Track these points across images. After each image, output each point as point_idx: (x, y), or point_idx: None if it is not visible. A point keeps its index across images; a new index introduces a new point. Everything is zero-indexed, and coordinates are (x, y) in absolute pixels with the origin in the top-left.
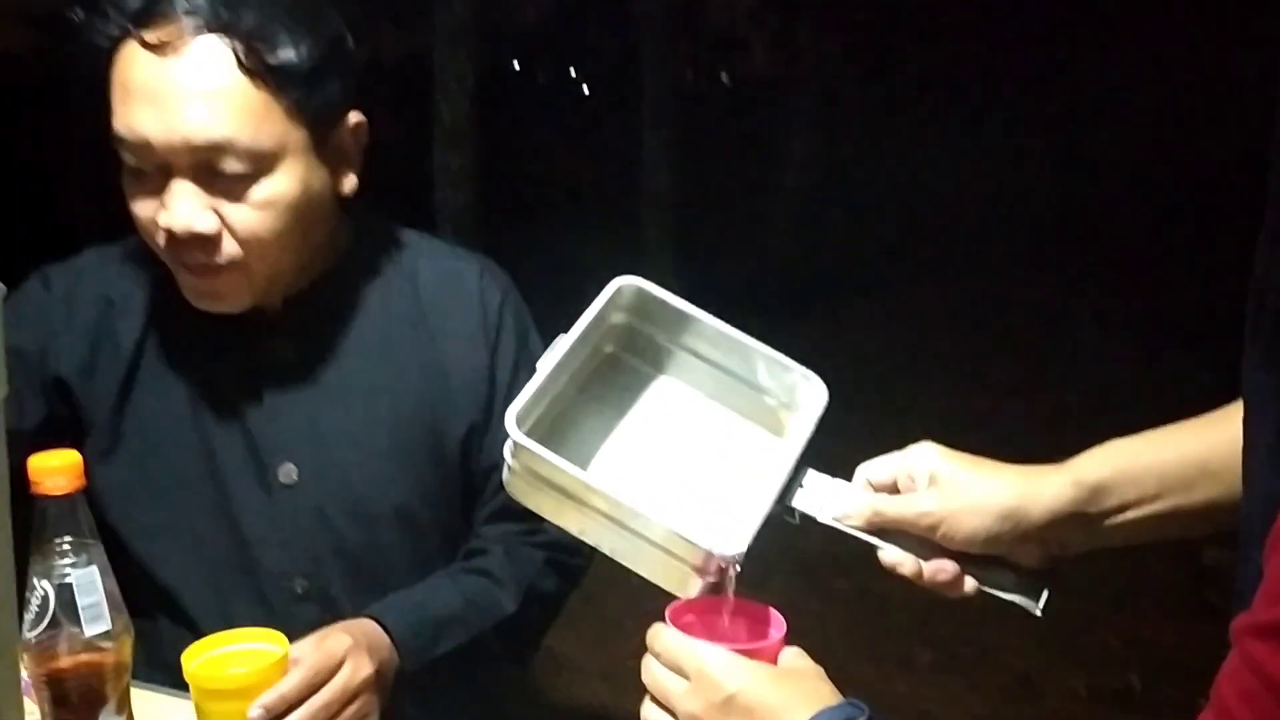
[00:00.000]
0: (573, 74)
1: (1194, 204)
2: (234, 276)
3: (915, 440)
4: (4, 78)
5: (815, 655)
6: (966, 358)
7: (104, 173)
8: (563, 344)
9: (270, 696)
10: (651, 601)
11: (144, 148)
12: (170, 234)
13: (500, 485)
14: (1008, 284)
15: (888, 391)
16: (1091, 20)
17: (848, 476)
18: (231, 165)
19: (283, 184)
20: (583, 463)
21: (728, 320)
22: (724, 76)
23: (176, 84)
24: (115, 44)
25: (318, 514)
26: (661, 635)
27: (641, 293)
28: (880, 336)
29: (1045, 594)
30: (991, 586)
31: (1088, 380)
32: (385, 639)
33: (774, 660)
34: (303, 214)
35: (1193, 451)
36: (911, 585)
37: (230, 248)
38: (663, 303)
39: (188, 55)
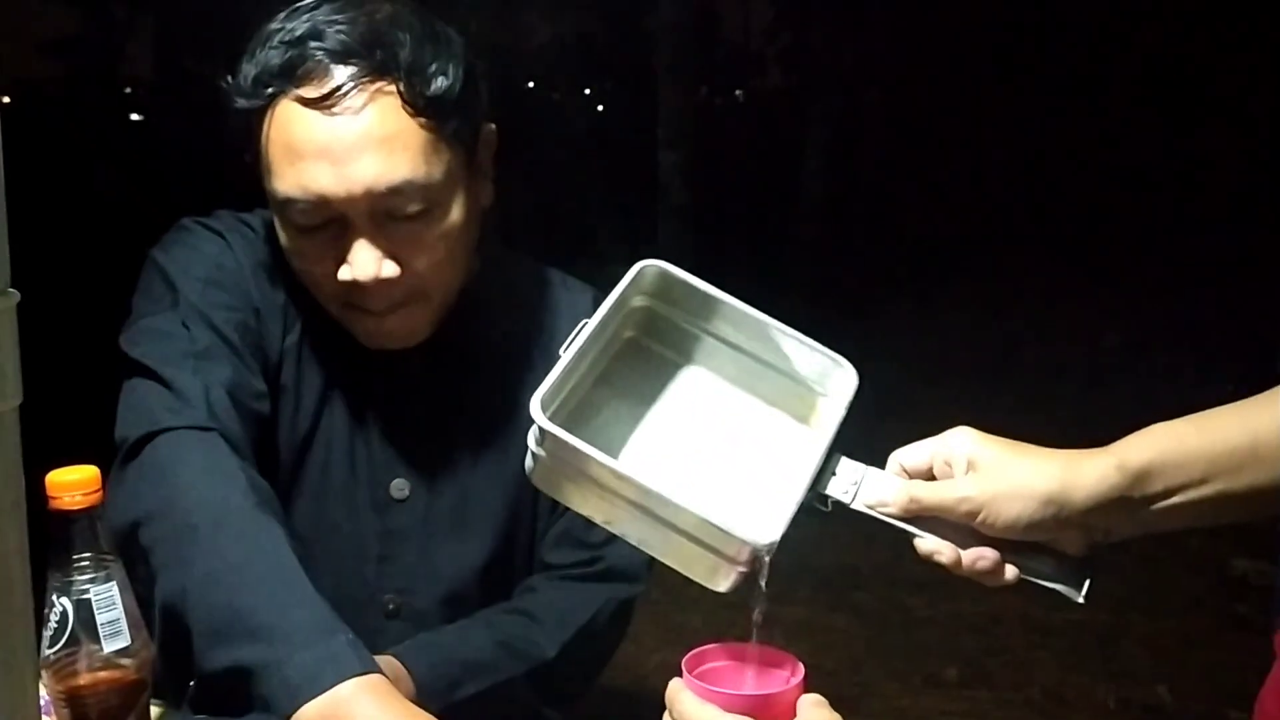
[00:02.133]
0: (587, 92)
1: (1223, 213)
2: (416, 310)
3: None
4: (20, 102)
5: (840, 672)
6: (986, 369)
7: (116, 189)
8: (586, 329)
9: None
10: (673, 617)
11: (319, 205)
12: (354, 284)
13: (565, 509)
14: (1028, 295)
15: (907, 405)
16: (1115, 24)
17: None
18: (409, 206)
19: (454, 213)
20: (606, 450)
21: None
22: (739, 92)
23: (347, 136)
24: (269, 104)
25: (422, 530)
26: (680, 699)
27: (665, 275)
28: (900, 348)
29: (1088, 582)
30: (1032, 574)
31: (1110, 390)
32: (408, 677)
33: (792, 706)
34: (469, 235)
35: (1239, 435)
36: (937, 599)
37: (413, 283)
38: (687, 285)
39: (351, 105)
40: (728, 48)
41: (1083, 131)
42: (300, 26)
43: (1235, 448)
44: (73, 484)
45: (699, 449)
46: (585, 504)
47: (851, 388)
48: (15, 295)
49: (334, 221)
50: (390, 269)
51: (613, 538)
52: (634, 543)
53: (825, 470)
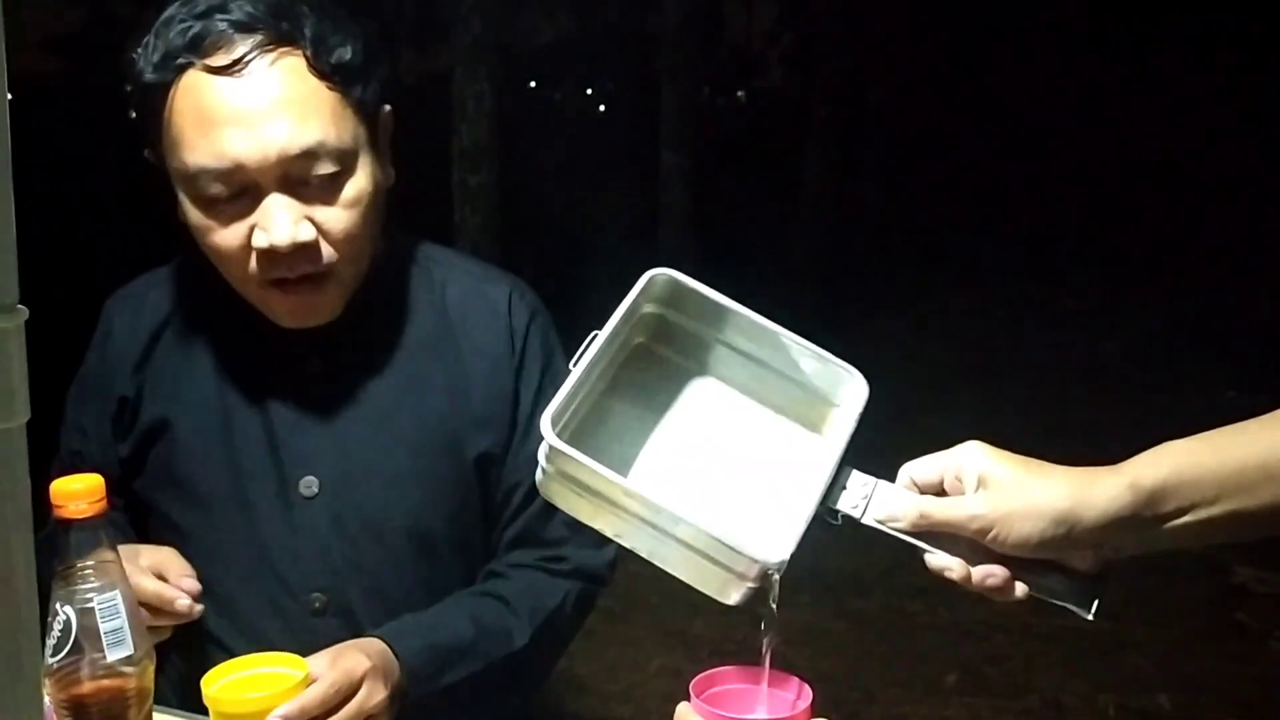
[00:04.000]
0: (589, 92)
1: (1224, 216)
2: (329, 284)
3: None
4: (23, 99)
5: (840, 678)
6: (989, 374)
7: (123, 190)
8: (596, 342)
9: (290, 707)
10: (673, 622)
11: (234, 171)
12: (270, 251)
13: (520, 507)
14: (1031, 299)
15: (908, 408)
16: (1116, 28)
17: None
18: (321, 169)
19: (363, 180)
20: (616, 461)
21: None
22: (740, 93)
23: (258, 101)
24: (175, 76)
25: (336, 527)
26: None
27: (675, 283)
28: (902, 352)
29: (1098, 600)
30: (1042, 592)
31: (1114, 395)
32: (396, 663)
33: None
34: (378, 208)
35: (1253, 453)
36: (937, 605)
37: (327, 252)
38: (697, 294)
39: (259, 71)
40: (730, 48)
41: (1087, 132)
42: (204, 2)
43: (1248, 467)
44: (77, 493)
45: (709, 459)
46: (595, 518)
47: (862, 398)
48: (24, 312)
49: (246, 191)
50: (306, 231)
51: (572, 534)
52: (644, 555)
53: (835, 483)
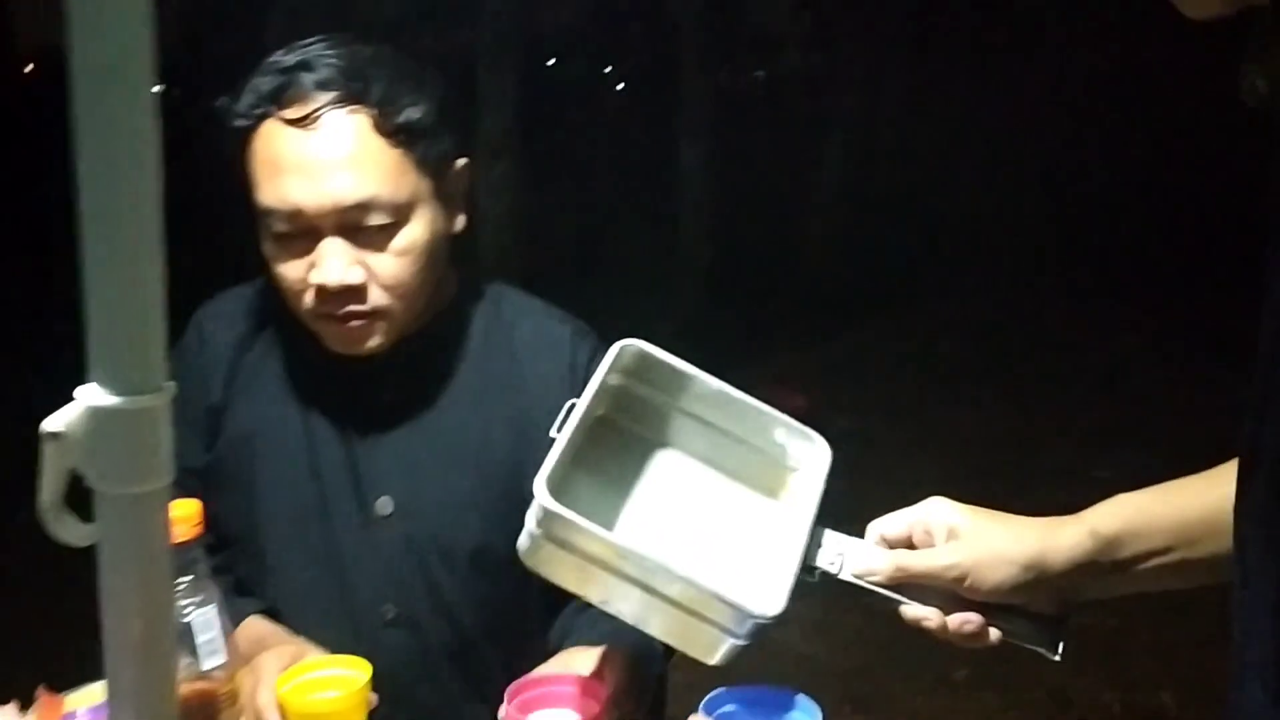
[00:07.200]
0: (608, 70)
1: (1231, 213)
2: (378, 321)
3: (948, 459)
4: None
5: (852, 672)
6: (1002, 371)
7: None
8: (576, 411)
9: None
10: None
11: (295, 215)
12: (322, 289)
13: None
14: (1047, 296)
15: (923, 403)
16: (1126, 28)
17: (887, 482)
18: (375, 219)
19: (417, 230)
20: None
21: (766, 328)
22: (759, 74)
23: (322, 154)
24: (256, 124)
25: (408, 545)
26: None
27: (641, 354)
28: (916, 346)
29: (1062, 643)
30: (1013, 637)
31: (1124, 395)
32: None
33: None
34: (433, 256)
35: (1198, 507)
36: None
37: (376, 295)
38: (663, 364)
39: (327, 126)
40: (750, 29)
41: (1109, 134)
42: (292, 58)
43: (1194, 520)
44: (174, 519)
45: (675, 527)
46: (585, 585)
47: (825, 462)
48: (171, 389)
49: (308, 232)
50: (356, 274)
51: None
52: (628, 619)
53: (810, 543)
